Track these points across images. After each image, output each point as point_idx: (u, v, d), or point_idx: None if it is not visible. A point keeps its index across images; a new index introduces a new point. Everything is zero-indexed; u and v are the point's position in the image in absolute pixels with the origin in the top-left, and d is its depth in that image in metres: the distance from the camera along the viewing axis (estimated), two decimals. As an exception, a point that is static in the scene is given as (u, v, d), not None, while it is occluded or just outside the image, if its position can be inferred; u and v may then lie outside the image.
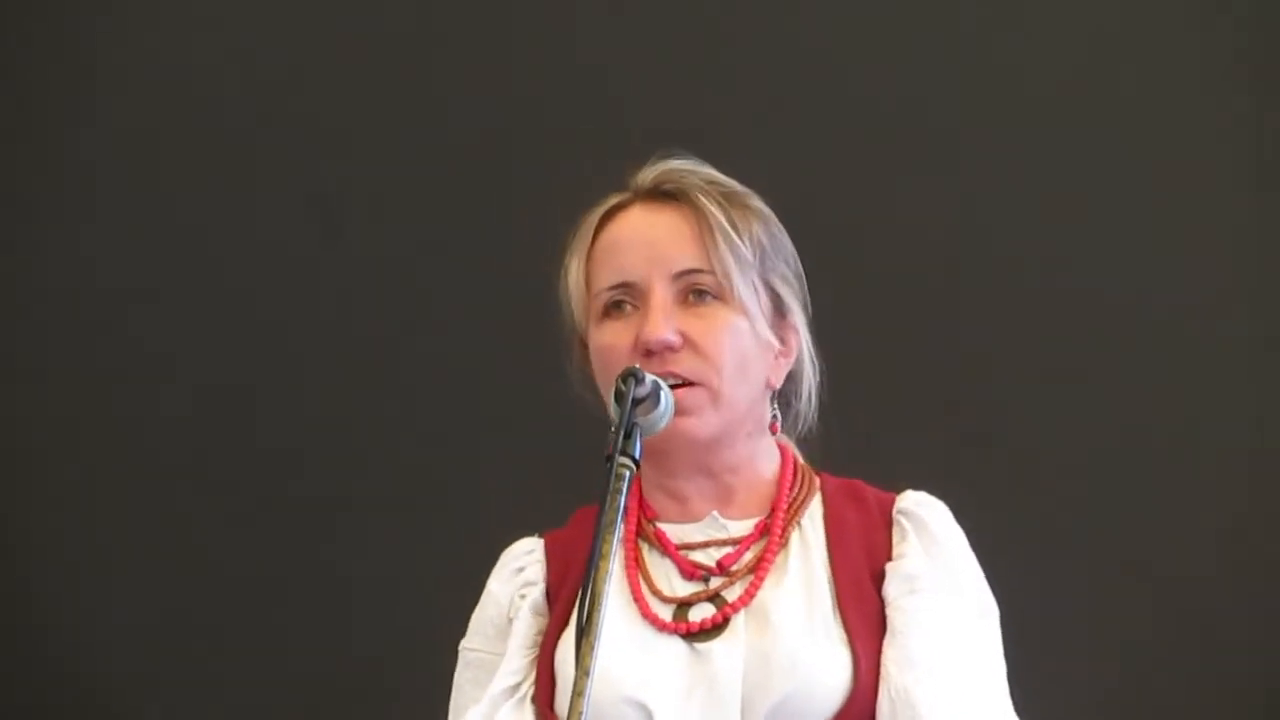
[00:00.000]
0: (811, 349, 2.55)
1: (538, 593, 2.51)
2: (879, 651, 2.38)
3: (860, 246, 3.64)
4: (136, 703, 3.80)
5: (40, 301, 3.87)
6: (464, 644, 2.55)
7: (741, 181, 2.53)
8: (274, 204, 3.84)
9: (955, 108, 3.68)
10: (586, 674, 2.09)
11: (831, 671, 2.36)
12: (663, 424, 2.31)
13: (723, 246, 2.44)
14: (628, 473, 2.20)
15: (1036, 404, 3.64)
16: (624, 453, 2.20)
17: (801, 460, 2.57)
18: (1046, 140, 3.65)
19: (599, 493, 2.50)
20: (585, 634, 2.11)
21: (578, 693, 2.08)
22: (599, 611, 2.12)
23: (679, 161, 2.52)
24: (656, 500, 2.51)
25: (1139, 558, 3.57)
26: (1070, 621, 3.51)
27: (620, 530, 2.17)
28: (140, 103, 3.88)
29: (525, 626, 2.49)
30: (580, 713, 2.07)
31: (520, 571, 2.54)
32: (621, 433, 2.21)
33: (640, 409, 2.26)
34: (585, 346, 2.53)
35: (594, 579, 2.13)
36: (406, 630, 3.41)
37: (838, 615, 2.40)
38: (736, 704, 2.36)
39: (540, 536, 2.57)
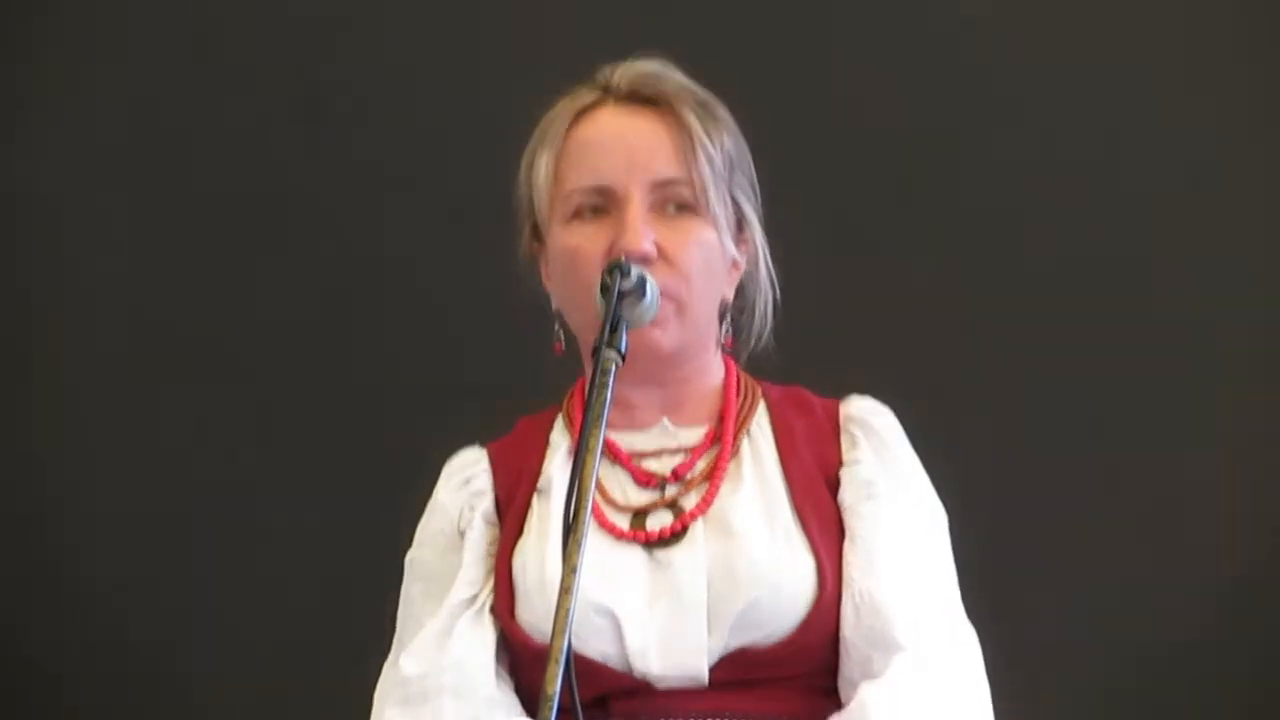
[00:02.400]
0: (769, 263, 2.53)
1: (488, 503, 2.48)
2: (839, 556, 2.39)
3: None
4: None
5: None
6: (411, 555, 2.50)
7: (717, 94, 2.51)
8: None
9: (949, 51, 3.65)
10: (574, 570, 2.05)
11: (796, 577, 2.36)
12: (649, 317, 2.30)
13: (701, 158, 2.43)
14: (614, 366, 2.17)
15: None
16: (610, 345, 2.17)
17: (742, 371, 2.56)
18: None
19: (563, 391, 2.53)
20: (573, 530, 2.07)
21: (564, 589, 2.04)
22: (586, 507, 2.08)
23: (652, 64, 2.49)
24: None
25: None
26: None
27: (604, 425, 2.13)
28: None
29: (479, 537, 2.46)
30: (567, 609, 2.03)
31: (468, 482, 2.50)
32: (608, 325, 2.18)
33: (626, 302, 2.24)
34: (537, 235, 2.51)
35: (582, 475, 2.09)
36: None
37: (797, 521, 2.40)
38: (702, 611, 2.34)
39: (483, 447, 2.53)
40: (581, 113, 2.47)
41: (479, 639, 2.40)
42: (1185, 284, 3.47)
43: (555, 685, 2.01)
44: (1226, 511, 3.43)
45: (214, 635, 3.60)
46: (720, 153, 2.45)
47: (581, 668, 2.33)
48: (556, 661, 2.02)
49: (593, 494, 2.10)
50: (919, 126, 3.49)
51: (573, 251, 2.42)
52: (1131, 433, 3.47)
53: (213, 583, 3.60)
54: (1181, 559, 3.41)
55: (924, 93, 3.50)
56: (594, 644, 2.35)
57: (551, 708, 2.00)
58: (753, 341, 2.54)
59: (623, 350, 2.18)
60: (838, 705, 2.37)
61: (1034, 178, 3.49)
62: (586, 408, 2.13)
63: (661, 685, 2.35)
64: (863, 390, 2.54)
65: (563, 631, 2.03)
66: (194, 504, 3.61)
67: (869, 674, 2.35)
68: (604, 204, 2.43)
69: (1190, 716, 3.40)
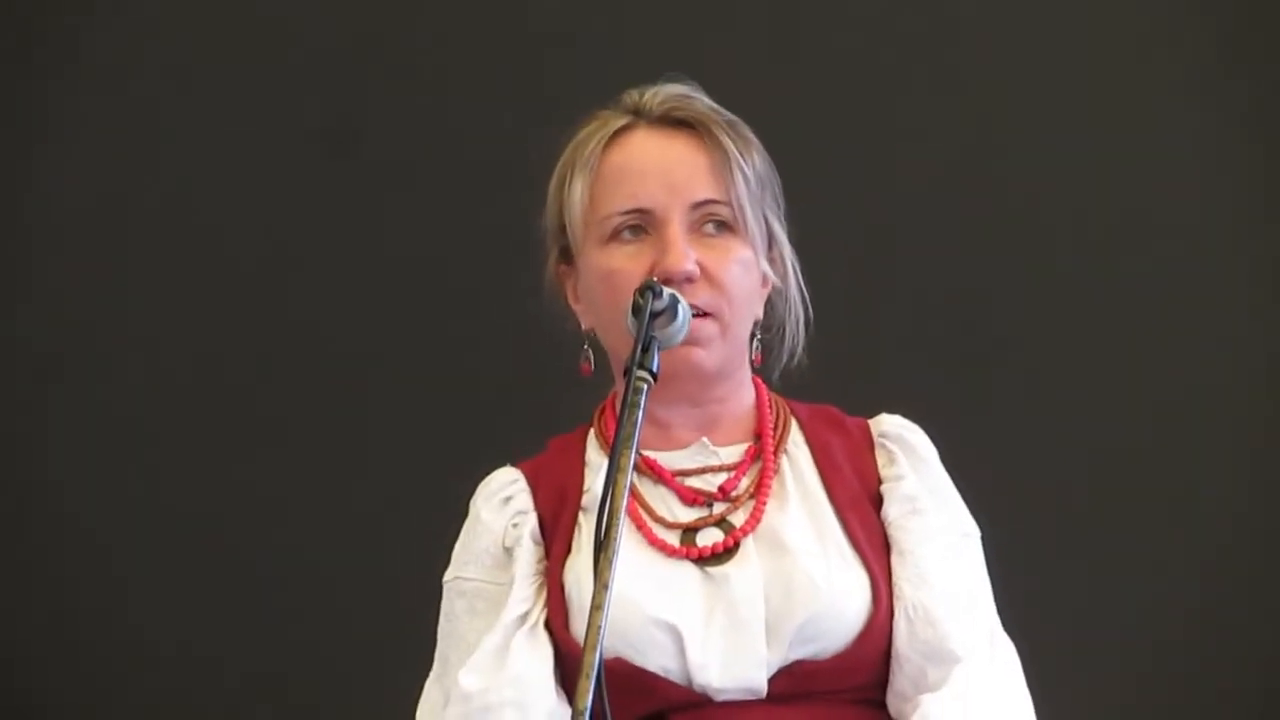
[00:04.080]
0: (800, 280, 2.56)
1: (533, 521, 2.49)
2: (888, 571, 2.41)
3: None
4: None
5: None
6: (455, 574, 2.51)
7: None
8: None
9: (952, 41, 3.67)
10: (605, 587, 2.07)
11: (853, 592, 2.39)
12: (680, 337, 2.31)
13: (738, 179, 2.45)
14: (645, 385, 2.19)
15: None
16: (642, 366, 2.19)
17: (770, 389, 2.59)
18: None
19: (574, 419, 2.55)
20: (604, 548, 2.09)
21: (596, 606, 2.06)
22: (617, 525, 2.10)
23: (679, 87, 2.52)
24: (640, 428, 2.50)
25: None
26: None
27: (635, 445, 2.15)
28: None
29: (527, 554, 2.47)
30: (598, 626, 2.05)
31: (509, 501, 2.52)
32: (639, 346, 2.20)
33: (657, 322, 2.25)
34: (564, 259, 2.53)
35: (613, 494, 2.11)
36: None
37: (846, 536, 2.43)
38: (760, 625, 2.37)
39: (515, 466, 2.55)
40: (614, 137, 2.49)
41: (537, 654, 2.41)
42: (1211, 290, 3.48)
43: (587, 700, 2.03)
44: (1239, 511, 3.43)
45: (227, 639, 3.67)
46: (753, 172, 2.48)
47: (640, 682, 2.36)
48: (588, 676, 2.04)
49: (624, 512, 2.12)
50: (941, 141, 3.51)
51: (613, 273, 2.44)
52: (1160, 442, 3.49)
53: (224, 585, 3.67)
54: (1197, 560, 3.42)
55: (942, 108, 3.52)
56: (655, 658, 2.37)
57: (582, 723, 2.01)
58: (784, 359, 2.56)
59: (655, 370, 2.20)
60: (889, 719, 2.39)
61: (1062, 189, 3.50)
62: (618, 427, 2.15)
63: (720, 698, 2.37)
64: (888, 408, 2.56)
65: (594, 647, 2.04)
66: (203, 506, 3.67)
67: (922, 687, 2.37)
68: (643, 226, 2.45)
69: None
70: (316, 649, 3.70)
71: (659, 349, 2.23)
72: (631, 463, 2.14)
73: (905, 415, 2.54)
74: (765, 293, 2.53)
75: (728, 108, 2.51)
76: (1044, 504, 3.50)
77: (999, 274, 3.57)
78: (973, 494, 2.51)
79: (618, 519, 2.10)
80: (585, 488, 2.49)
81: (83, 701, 3.73)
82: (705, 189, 2.46)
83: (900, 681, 2.39)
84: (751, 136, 2.52)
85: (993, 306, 3.56)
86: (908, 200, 3.59)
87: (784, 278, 2.54)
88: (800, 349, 2.56)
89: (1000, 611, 2.47)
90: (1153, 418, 3.55)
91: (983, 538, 2.50)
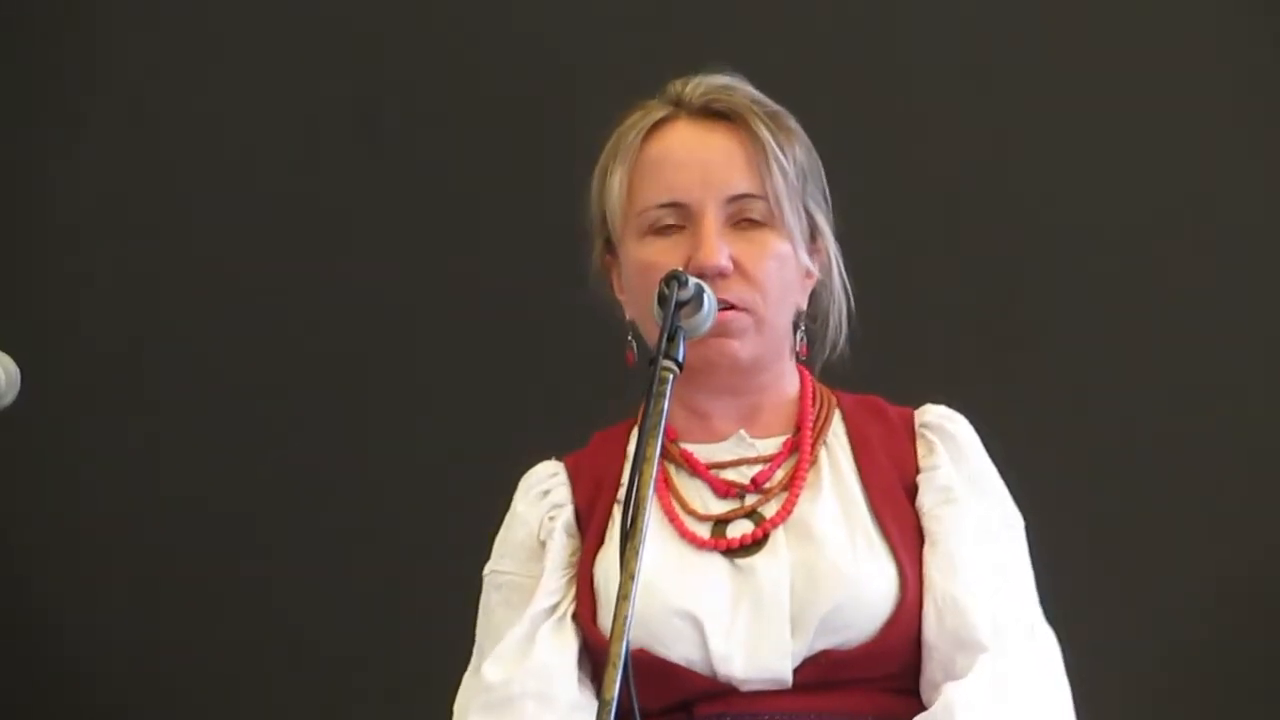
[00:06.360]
0: (843, 272, 2.56)
1: (568, 514, 2.50)
2: (919, 561, 2.41)
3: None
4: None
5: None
6: (492, 567, 2.53)
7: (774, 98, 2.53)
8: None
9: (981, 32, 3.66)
10: (632, 577, 2.07)
11: (878, 581, 2.39)
12: (705, 327, 2.30)
13: (776, 173, 2.45)
14: (671, 375, 2.19)
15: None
16: (668, 355, 2.19)
17: (816, 380, 2.58)
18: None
19: (637, 403, 2.51)
20: (630, 538, 2.09)
21: (623, 596, 2.07)
22: (643, 515, 2.10)
23: (722, 78, 2.52)
24: (678, 419, 2.51)
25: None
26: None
27: (661, 434, 2.15)
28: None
29: (559, 547, 2.48)
30: (625, 616, 2.06)
31: (546, 494, 2.53)
32: (665, 335, 2.21)
33: (683, 312, 2.25)
34: (609, 249, 2.54)
35: (639, 484, 2.11)
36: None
37: (877, 526, 2.42)
38: (785, 617, 2.37)
39: (559, 460, 2.56)
40: (654, 128, 2.50)
41: (562, 646, 2.42)
42: (1225, 288, 3.47)
43: (614, 690, 2.03)
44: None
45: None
46: (793, 165, 2.47)
47: (664, 672, 2.37)
48: (615, 666, 2.04)
49: (651, 502, 2.12)
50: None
51: (648, 266, 2.44)
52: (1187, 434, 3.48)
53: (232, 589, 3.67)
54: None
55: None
56: (677, 648, 2.38)
57: (609, 713, 2.01)
58: (827, 350, 2.56)
59: (680, 360, 2.20)
60: (919, 707, 2.38)
61: (1091, 190, 3.50)
62: (643, 417, 2.15)
63: (745, 688, 2.37)
64: (933, 399, 2.56)
65: (620, 637, 2.05)
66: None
67: (952, 675, 2.36)
68: (679, 219, 2.46)
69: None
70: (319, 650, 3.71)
71: (685, 339, 2.23)
72: (658, 453, 2.14)
73: (951, 406, 2.54)
74: (810, 284, 2.53)
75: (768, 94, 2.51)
76: (1079, 498, 3.49)
77: (1040, 266, 3.57)
78: (1012, 483, 2.52)
79: (644, 509, 2.10)
80: (621, 480, 2.49)
81: (82, 700, 3.74)
82: (741, 182, 2.46)
83: (931, 670, 2.39)
84: (795, 127, 2.51)
85: (1044, 298, 3.56)
86: (949, 192, 3.59)
87: (826, 270, 2.53)
88: (843, 340, 2.57)
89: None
90: (1192, 412, 3.55)
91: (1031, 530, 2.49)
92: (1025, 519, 2.50)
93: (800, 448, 2.48)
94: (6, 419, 2.38)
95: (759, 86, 2.51)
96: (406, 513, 3.59)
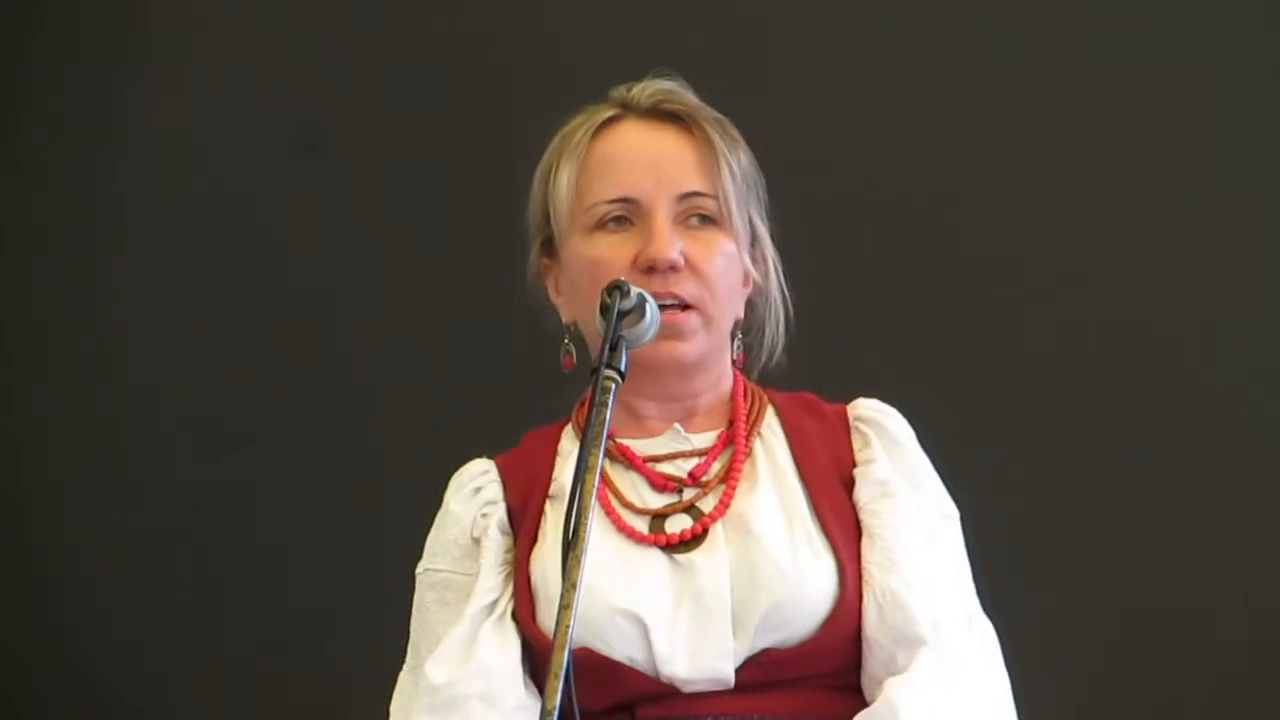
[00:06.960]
0: (782, 279, 2.56)
1: (501, 511, 2.50)
2: (858, 556, 2.41)
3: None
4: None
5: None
6: (425, 565, 2.53)
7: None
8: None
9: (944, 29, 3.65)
10: (574, 587, 2.07)
11: (819, 577, 2.39)
12: (648, 337, 2.30)
13: (725, 172, 2.47)
14: (613, 385, 2.19)
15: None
16: (610, 365, 2.19)
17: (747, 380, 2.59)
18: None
19: (548, 414, 2.56)
20: (571, 547, 2.09)
21: (564, 605, 2.06)
22: (585, 525, 2.10)
23: (668, 82, 2.53)
24: (614, 415, 2.48)
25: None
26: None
27: (604, 446, 2.15)
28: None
29: (495, 544, 2.48)
30: (567, 625, 2.06)
31: (478, 491, 2.53)
32: (607, 345, 2.20)
33: (626, 321, 2.25)
34: (546, 252, 2.54)
35: (581, 492, 2.11)
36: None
37: (816, 521, 2.43)
38: (726, 614, 2.37)
39: (489, 458, 2.56)
40: (602, 127, 2.50)
41: (504, 646, 2.42)
42: (1220, 286, 3.49)
43: (555, 700, 2.03)
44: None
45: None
46: (739, 169, 2.49)
47: (608, 672, 2.37)
48: (557, 676, 2.04)
49: (592, 512, 2.12)
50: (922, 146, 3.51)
51: (599, 263, 2.45)
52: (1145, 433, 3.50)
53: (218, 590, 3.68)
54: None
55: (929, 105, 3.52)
56: (620, 647, 2.38)
57: (551, 721, 2.02)
58: (764, 357, 2.57)
59: (622, 370, 2.20)
60: (861, 703, 2.39)
61: (1057, 185, 3.51)
62: (585, 426, 2.15)
63: (687, 689, 2.37)
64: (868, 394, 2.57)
65: (563, 647, 2.04)
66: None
67: (893, 670, 2.37)
68: (628, 216, 2.46)
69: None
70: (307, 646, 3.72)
71: (627, 348, 2.22)
72: (600, 463, 2.14)
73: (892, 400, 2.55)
74: (747, 292, 2.54)
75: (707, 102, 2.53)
76: (1033, 490, 3.53)
77: (986, 275, 3.59)
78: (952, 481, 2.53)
79: (586, 518, 2.10)
80: (554, 476, 2.50)
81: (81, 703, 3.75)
82: (692, 180, 2.47)
83: (873, 665, 2.40)
84: (738, 135, 2.53)
85: (986, 299, 3.58)
86: (894, 199, 3.60)
87: (765, 276, 2.54)
88: (780, 349, 2.57)
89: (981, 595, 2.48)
90: (1121, 402, 3.58)
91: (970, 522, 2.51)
92: (960, 510, 2.52)
93: (735, 440, 2.48)
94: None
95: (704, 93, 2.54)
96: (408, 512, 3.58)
